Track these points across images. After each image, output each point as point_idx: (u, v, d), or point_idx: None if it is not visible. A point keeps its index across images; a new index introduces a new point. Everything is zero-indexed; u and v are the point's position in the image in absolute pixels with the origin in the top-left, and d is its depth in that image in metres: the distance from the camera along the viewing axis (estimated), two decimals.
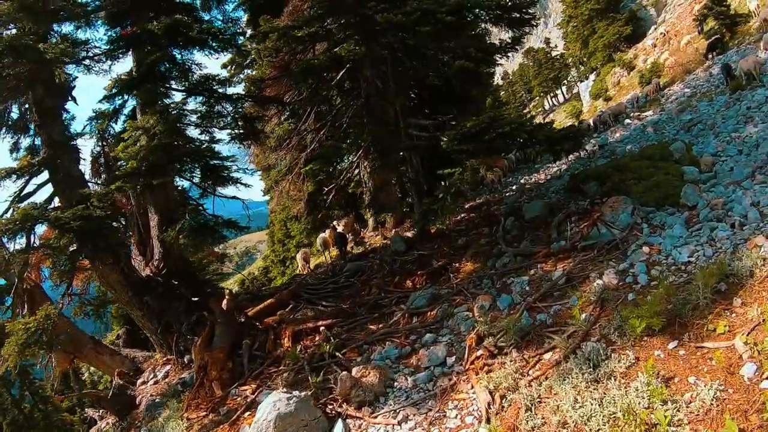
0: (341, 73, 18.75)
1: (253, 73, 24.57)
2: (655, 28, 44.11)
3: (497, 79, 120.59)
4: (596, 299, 9.39)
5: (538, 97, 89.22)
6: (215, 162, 15.86)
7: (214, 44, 16.64)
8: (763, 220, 9.97)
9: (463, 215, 19.77)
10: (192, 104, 16.87)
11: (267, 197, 43.06)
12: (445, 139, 13.81)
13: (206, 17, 18.78)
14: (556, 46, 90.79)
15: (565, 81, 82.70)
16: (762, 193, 11.24)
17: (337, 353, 12.27)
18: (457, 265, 14.92)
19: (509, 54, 18.54)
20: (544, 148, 15.93)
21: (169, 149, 14.15)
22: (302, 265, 23.84)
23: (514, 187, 22.39)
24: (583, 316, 9.09)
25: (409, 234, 19.45)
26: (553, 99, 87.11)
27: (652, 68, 33.88)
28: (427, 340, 11.38)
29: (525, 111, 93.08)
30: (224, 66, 26.58)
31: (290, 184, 23.71)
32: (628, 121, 25.20)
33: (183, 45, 16.22)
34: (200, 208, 17.15)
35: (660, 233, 11.63)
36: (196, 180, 16.63)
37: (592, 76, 52.04)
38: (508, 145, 14.24)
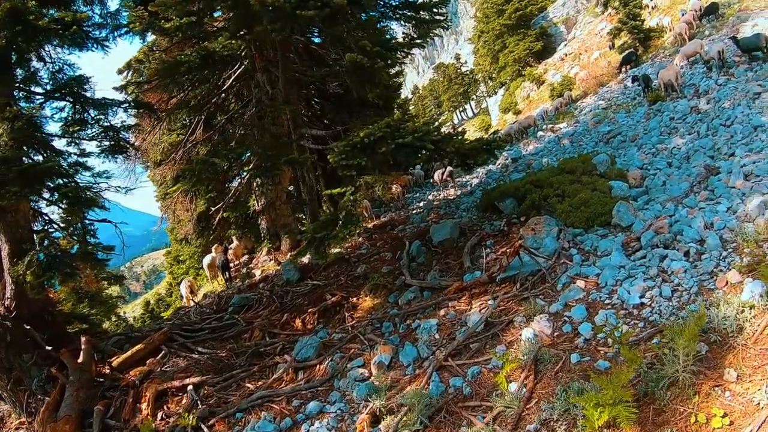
0: (232, 78, 15.78)
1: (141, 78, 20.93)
2: (566, 44, 44.15)
3: (407, 93, 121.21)
4: (528, 360, 6.90)
5: (447, 112, 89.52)
6: (73, 181, 12.33)
7: (73, 38, 12.94)
8: (726, 248, 7.96)
9: (365, 236, 17.12)
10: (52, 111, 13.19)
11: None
12: (336, 150, 11.10)
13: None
14: (466, 62, 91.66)
15: (474, 96, 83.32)
16: (712, 213, 9.36)
17: (202, 425, 9.10)
18: (354, 299, 12.29)
19: (410, 51, 16.17)
20: (453, 162, 13.57)
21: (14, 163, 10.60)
22: (187, 296, 20.21)
23: (421, 204, 20.17)
24: (513, 386, 6.59)
25: (304, 259, 16.56)
26: (462, 113, 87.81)
27: (563, 82, 33.25)
28: (311, 410, 8.46)
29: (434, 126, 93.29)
30: (120, 71, 22.49)
31: (177, 202, 20.18)
32: (541, 133, 23.75)
33: (30, 36, 12.44)
34: (52, 236, 13.24)
35: (594, 260, 9.60)
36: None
37: (501, 91, 51.80)
38: (410, 159, 11.70)
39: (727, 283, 6.95)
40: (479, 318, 8.72)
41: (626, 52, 26.67)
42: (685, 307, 6.81)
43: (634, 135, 16.56)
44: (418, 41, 15.66)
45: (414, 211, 19.23)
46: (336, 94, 18.50)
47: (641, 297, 7.58)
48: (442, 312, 9.91)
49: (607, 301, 7.96)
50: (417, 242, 13.67)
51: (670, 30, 26.00)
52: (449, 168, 20.77)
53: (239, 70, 16.31)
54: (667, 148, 14.42)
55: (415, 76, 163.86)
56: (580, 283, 8.84)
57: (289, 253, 17.91)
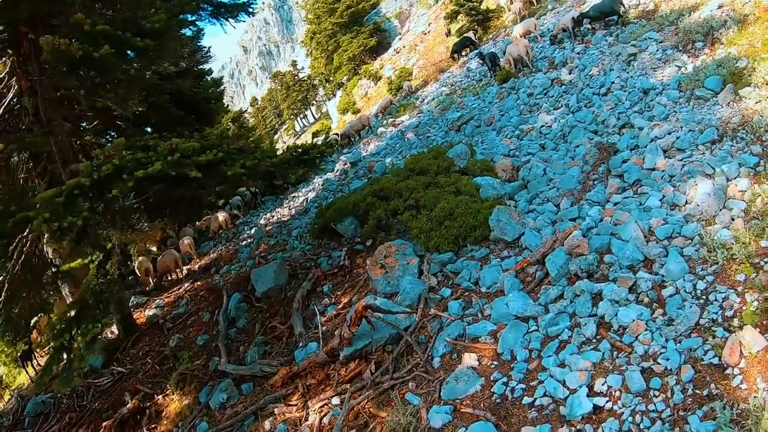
0: None
1: None
2: (400, 38, 41.78)
3: (243, 104, 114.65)
4: None
5: (288, 120, 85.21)
6: None
7: None
8: (700, 274, 4.45)
9: (186, 286, 12.48)
10: None
11: None
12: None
13: None
14: (303, 68, 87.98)
15: (314, 101, 79.82)
16: (642, 212, 5.99)
17: None
18: (160, 399, 8.46)
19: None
20: (254, 188, 9.37)
21: None
22: None
23: (252, 231, 15.86)
24: None
25: (109, 333, 11.59)
26: (304, 120, 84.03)
27: (401, 74, 30.28)
28: None
29: (276, 136, 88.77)
30: None
31: None
32: (381, 129, 20.13)
33: None
34: None
35: (481, 306, 5.97)
36: None
37: (339, 92, 48.47)
38: (167, 200, 7.14)
39: (741, 355, 3.30)
40: None
41: (462, 36, 24.10)
42: (684, 421, 3.04)
43: (489, 118, 13.39)
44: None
45: (244, 242, 15.05)
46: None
47: (590, 393, 3.75)
48: (267, 425, 5.98)
49: (526, 401, 4.02)
50: (237, 296, 10.01)
51: (509, 9, 23.92)
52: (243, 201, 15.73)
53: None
54: (533, 127, 11.32)
55: (254, 87, 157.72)
56: (470, 357, 4.94)
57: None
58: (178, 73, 13.57)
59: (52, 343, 6.76)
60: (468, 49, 22.78)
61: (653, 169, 6.97)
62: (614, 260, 5.27)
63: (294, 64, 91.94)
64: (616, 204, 6.57)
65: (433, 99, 19.85)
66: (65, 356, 6.83)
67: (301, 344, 7.39)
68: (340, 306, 7.88)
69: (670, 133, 7.51)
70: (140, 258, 14.46)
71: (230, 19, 11.18)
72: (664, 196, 6.15)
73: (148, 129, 12.57)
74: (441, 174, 10.28)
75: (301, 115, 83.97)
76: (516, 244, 7.09)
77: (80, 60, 6.54)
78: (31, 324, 12.21)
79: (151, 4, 8.77)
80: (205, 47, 22.85)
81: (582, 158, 8.72)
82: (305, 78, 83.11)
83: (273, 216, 17.23)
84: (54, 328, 6.83)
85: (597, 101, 10.58)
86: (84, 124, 11.66)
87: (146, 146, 6.78)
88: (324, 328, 7.15)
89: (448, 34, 28.55)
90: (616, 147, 8.34)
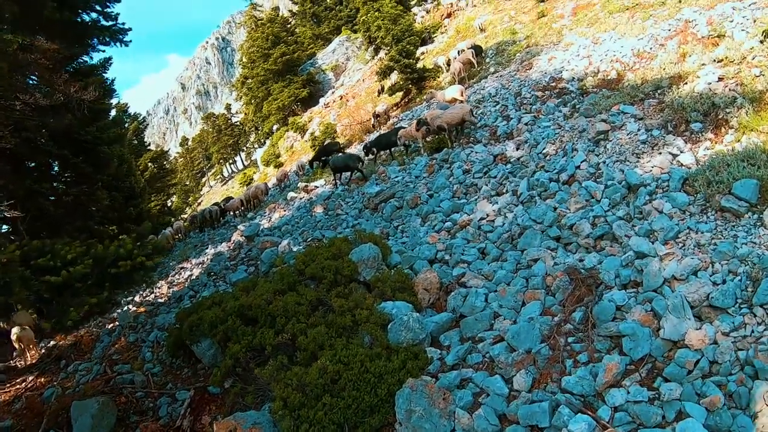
0: None
1: None
2: (333, 92, 39.26)
3: (175, 142, 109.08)
4: None
5: (217, 165, 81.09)
6: None
7: None
8: None
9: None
10: None
11: None
12: None
13: None
14: (237, 112, 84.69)
15: (244, 147, 76.17)
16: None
17: None
18: None
19: None
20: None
21: None
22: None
23: (124, 310, 12.61)
24: None
25: None
26: (233, 166, 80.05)
27: (326, 130, 27.34)
28: None
29: (203, 180, 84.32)
30: None
31: None
32: (292, 194, 16.81)
33: None
34: None
35: None
36: None
37: (269, 141, 45.33)
38: None
39: None
40: None
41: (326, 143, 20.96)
42: None
43: (413, 198, 10.35)
44: None
45: (110, 324, 11.65)
46: None
47: None
48: None
49: None
50: None
51: (447, 70, 21.55)
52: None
53: None
54: (470, 220, 8.34)
55: (188, 126, 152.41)
56: None
57: None
58: (59, 106, 10.47)
59: None
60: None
61: (679, 344, 3.93)
62: None
63: (228, 107, 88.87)
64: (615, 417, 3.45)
65: None
66: None
67: None
68: None
69: (696, 273, 4.54)
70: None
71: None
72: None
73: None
74: (339, 285, 7.05)
75: (231, 161, 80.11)
76: None
77: None
78: None
79: None
80: (108, 79, 19.24)
81: (543, 286, 5.66)
82: (238, 123, 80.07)
83: (151, 293, 13.81)
84: None
85: (558, 193, 7.70)
86: None
87: None
88: None
89: (381, 91, 26.02)
90: (598, 276, 5.32)
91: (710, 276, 4.58)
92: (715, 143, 6.80)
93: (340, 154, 17.22)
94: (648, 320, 4.35)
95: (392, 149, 15.51)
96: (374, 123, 21.77)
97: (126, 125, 36.76)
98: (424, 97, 20.34)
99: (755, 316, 3.99)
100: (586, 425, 3.53)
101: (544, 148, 9.36)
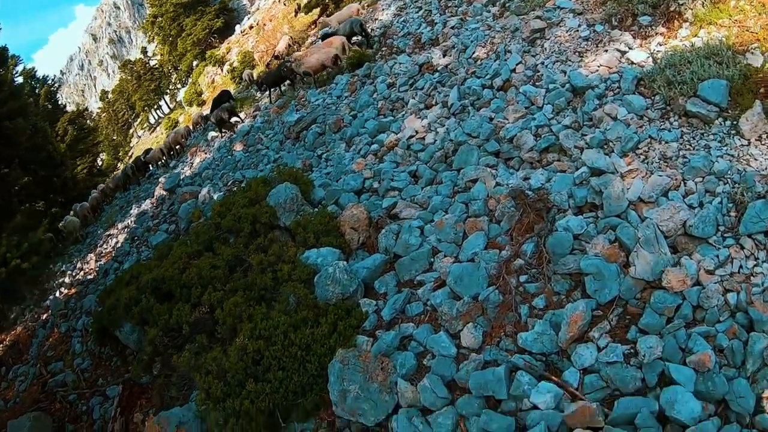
0: None
1: None
2: (249, 18, 36.56)
3: (95, 97, 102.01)
4: None
5: (142, 113, 76.34)
6: None
7: None
8: None
9: None
10: None
11: None
12: None
13: None
14: (154, 54, 79.10)
15: (167, 90, 71.61)
16: None
17: None
18: None
19: None
20: None
21: None
22: None
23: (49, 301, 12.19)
24: None
25: None
26: (158, 111, 75.39)
27: (243, 59, 25.43)
28: None
29: (131, 131, 79.92)
30: None
31: None
32: (213, 134, 15.37)
33: None
34: None
35: None
36: None
37: (190, 80, 42.57)
38: None
39: None
40: None
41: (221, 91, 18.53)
42: None
43: (336, 121, 9.31)
44: None
45: (45, 314, 11.36)
46: None
47: None
48: None
49: None
50: None
51: None
52: None
53: None
54: (398, 140, 7.42)
55: (106, 79, 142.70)
56: None
57: None
58: None
59: None
60: (227, 114, 15.38)
61: (653, 284, 3.25)
62: None
63: (144, 51, 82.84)
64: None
65: (268, 95, 15.35)
66: None
67: None
68: None
69: (666, 194, 3.81)
70: None
71: None
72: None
73: None
74: (259, 236, 6.13)
75: (155, 106, 75.39)
76: None
77: None
78: None
79: None
80: None
81: (486, 212, 4.88)
82: (156, 65, 74.98)
83: (81, 270, 13.13)
84: None
85: (494, 101, 6.80)
86: None
87: None
88: None
89: (298, 10, 24.02)
90: (548, 199, 4.53)
91: (684, 198, 3.88)
92: (668, 38, 5.96)
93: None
94: (614, 254, 3.65)
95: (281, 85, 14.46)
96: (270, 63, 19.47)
97: (36, 91, 33.28)
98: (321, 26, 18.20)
99: (743, 248, 3.35)
100: (551, 396, 2.85)
101: (473, 52, 8.34)
